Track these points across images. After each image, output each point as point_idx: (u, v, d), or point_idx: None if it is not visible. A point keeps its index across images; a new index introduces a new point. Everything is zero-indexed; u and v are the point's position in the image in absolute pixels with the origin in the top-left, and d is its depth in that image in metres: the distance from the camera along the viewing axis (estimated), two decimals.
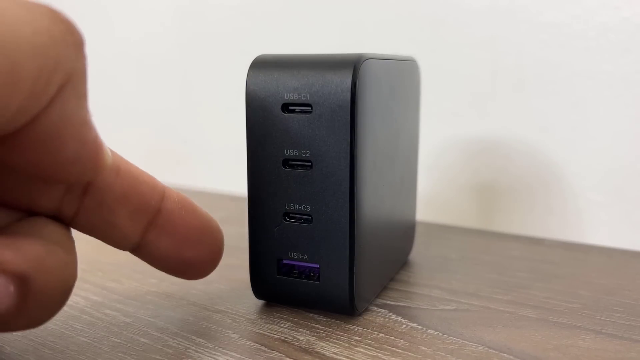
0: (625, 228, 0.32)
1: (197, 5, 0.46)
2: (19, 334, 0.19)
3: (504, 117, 0.34)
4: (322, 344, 0.19)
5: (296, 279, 0.21)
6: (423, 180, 0.35)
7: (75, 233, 0.17)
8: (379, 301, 0.23)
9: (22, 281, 0.14)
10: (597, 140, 0.32)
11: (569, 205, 0.33)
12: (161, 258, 0.18)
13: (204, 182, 0.48)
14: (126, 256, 0.19)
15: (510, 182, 0.35)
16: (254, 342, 0.19)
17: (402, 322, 0.21)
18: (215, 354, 0.18)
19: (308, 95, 0.19)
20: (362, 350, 0.19)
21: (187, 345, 0.19)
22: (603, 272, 0.27)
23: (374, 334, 0.20)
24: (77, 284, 0.16)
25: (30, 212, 0.16)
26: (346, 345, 0.19)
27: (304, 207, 0.20)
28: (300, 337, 0.20)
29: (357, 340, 0.19)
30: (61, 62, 0.13)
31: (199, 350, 0.19)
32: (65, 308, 0.21)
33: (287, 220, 0.20)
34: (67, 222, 0.17)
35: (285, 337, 0.20)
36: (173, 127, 0.49)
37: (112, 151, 0.17)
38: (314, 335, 0.20)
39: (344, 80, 0.19)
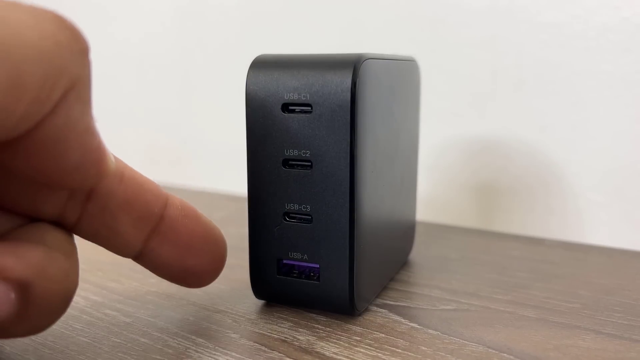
0: (625, 228, 0.32)
1: (197, 5, 0.46)
2: None
3: (504, 117, 0.34)
4: (322, 344, 0.19)
5: (296, 279, 0.21)
6: (423, 180, 0.35)
7: (76, 236, 0.17)
8: (379, 301, 0.23)
9: (23, 288, 0.13)
10: (597, 140, 0.32)
11: (569, 205, 0.33)
12: (163, 266, 0.18)
13: (204, 182, 0.48)
14: None
15: (510, 182, 0.35)
16: (254, 342, 0.19)
17: (402, 322, 0.21)
18: (215, 354, 0.18)
19: (308, 95, 0.19)
20: (362, 350, 0.19)
21: (187, 345, 0.19)
22: (603, 272, 0.27)
23: (374, 334, 0.20)
24: None
25: (32, 218, 0.16)
26: (346, 345, 0.19)
27: (304, 207, 0.20)
28: (300, 337, 0.20)
29: (357, 340, 0.19)
30: (66, 68, 0.13)
31: (199, 350, 0.19)
32: None
33: (287, 220, 0.20)
34: (69, 228, 0.17)
35: (285, 337, 0.20)
36: (173, 127, 0.49)
37: (115, 157, 0.16)
38: (314, 335, 0.20)
39: (344, 80, 0.19)
